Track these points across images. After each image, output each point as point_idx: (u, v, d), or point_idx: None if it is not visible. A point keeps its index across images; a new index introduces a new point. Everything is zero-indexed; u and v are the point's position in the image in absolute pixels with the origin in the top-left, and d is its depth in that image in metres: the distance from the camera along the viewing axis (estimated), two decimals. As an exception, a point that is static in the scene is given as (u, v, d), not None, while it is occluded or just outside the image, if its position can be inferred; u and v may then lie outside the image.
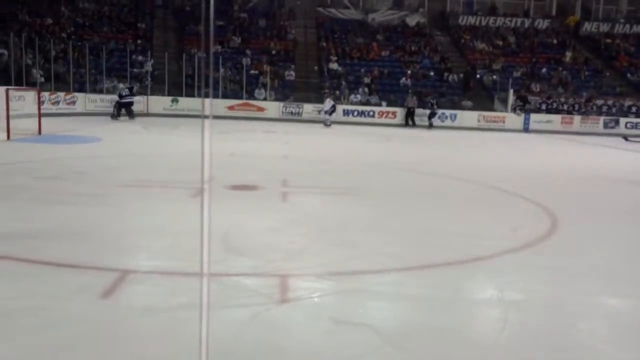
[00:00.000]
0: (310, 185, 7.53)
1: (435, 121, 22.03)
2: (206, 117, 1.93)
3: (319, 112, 21.54)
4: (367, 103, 23.42)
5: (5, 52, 18.42)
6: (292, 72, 24.79)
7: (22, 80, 18.27)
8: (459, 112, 23.02)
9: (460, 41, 28.11)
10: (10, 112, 11.59)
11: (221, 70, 23.30)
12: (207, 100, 2.17)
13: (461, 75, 25.38)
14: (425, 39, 27.66)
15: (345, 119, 22.36)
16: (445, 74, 25.32)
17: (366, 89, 24.00)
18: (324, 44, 27.09)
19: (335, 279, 3.94)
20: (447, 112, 22.80)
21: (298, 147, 13.05)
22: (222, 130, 16.63)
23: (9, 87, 12.84)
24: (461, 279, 4.13)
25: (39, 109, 13.25)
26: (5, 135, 11.37)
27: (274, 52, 25.85)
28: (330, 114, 20.90)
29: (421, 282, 4.00)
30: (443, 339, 3.01)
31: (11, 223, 5.01)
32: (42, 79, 19.78)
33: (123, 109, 19.13)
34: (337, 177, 7.68)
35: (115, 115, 18.95)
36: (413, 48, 26.93)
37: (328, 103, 21.27)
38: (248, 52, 25.50)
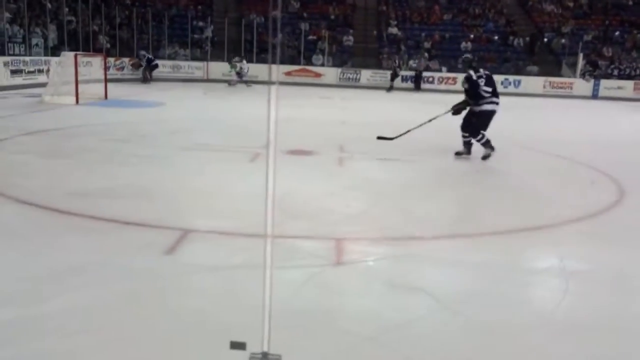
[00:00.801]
0: (367, 151, 7.49)
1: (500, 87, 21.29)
2: (272, 83, 1.94)
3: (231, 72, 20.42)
4: (427, 69, 22.85)
5: (74, 19, 19.07)
6: (351, 38, 24.45)
7: (89, 46, 18.93)
8: (523, 78, 22.15)
9: (528, 3, 26.78)
10: (79, 77, 12.07)
11: (279, 35, 23.26)
12: (274, 67, 2.17)
13: (527, 39, 24.27)
14: (490, 1, 26.53)
15: (404, 85, 21.96)
16: (510, 38, 24.30)
17: (426, 54, 23.39)
18: (384, 7, 26.49)
19: (391, 243, 3.94)
20: (511, 78, 21.96)
21: (355, 113, 12.95)
22: (279, 96, 16.72)
23: (77, 52, 13.32)
24: (522, 247, 4.04)
25: (105, 74, 13.70)
26: (74, 99, 11.88)
27: (332, 17, 25.53)
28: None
29: (480, 249, 3.93)
30: (500, 306, 2.97)
31: (79, 182, 5.27)
32: (108, 45, 20.41)
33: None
34: (395, 144, 7.58)
35: (147, 79, 19.63)
36: (477, 11, 25.91)
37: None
38: (306, 16, 25.27)
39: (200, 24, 24.02)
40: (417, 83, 21.94)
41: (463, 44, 23.70)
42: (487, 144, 7.10)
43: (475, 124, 7.11)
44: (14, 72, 14.52)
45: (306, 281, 3.15)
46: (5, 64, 14.24)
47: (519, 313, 2.90)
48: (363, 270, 3.45)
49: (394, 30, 24.74)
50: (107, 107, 11.81)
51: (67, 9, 18.71)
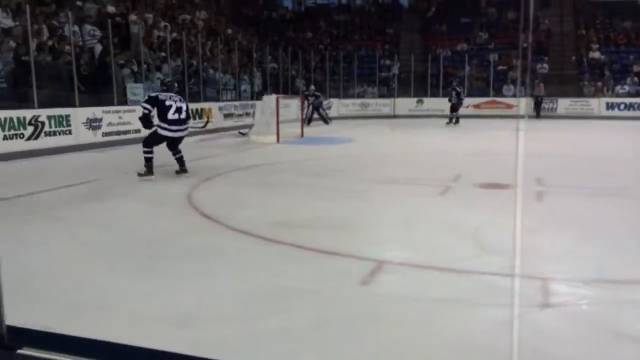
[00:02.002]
0: (568, 185, 6.88)
1: None
2: (521, 116, 1.87)
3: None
4: (637, 94, 20.46)
5: (276, 65, 21.05)
6: (545, 65, 23.04)
7: (287, 89, 20.67)
8: None
9: None
10: (279, 118, 13.20)
11: (467, 68, 22.91)
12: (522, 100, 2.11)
13: None
14: None
15: (608, 113, 19.93)
16: None
17: (635, 79, 20.99)
18: (583, 31, 24.53)
19: (609, 287, 3.51)
20: None
21: (552, 144, 12.05)
22: (467, 129, 16.34)
23: (279, 95, 14.62)
24: None
25: (302, 114, 14.77)
26: (275, 137, 13.01)
27: (524, 45, 24.38)
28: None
29: None
30: None
31: (284, 213, 5.68)
32: (304, 87, 22.09)
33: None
34: (600, 176, 6.86)
35: (310, 120, 18.23)
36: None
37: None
38: (493, 47, 24.54)
39: (387, 62, 24.76)
40: (537, 110, 20.35)
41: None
42: None
43: None
44: (226, 116, 16.43)
45: (510, 321, 2.95)
46: (220, 108, 16.20)
47: None
48: (576, 314, 3.12)
49: (595, 54, 22.73)
50: (304, 144, 12.69)
51: (270, 57, 20.74)
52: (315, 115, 18.78)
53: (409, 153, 10.75)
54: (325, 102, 19.89)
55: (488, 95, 22.17)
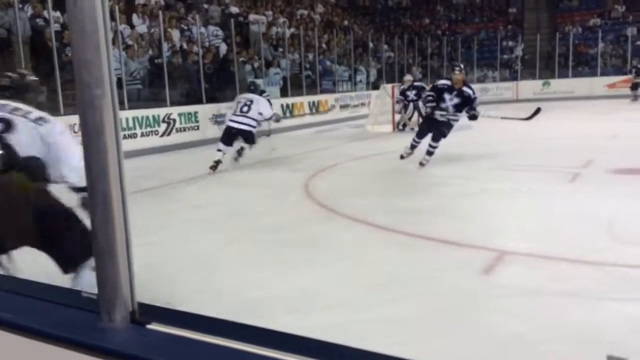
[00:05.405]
0: None
1: None
2: None
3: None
4: None
5: (392, 54, 20.86)
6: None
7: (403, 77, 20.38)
8: None
9: None
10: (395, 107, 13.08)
11: (600, 45, 21.10)
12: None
13: None
14: None
15: None
16: None
17: None
18: None
19: None
20: None
21: None
22: (601, 111, 15.08)
23: (394, 84, 14.48)
24: None
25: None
26: (391, 127, 12.92)
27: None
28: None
29: None
30: None
31: (396, 202, 5.65)
32: (420, 75, 21.67)
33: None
34: None
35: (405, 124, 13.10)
36: None
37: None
38: (632, 19, 22.32)
39: (510, 43, 23.51)
40: None
41: None
42: None
43: None
44: (342, 107, 16.62)
45: (648, 319, 2.70)
46: (336, 100, 16.42)
47: None
48: None
49: None
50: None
51: (385, 46, 20.59)
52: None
53: (534, 138, 10.15)
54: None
55: (625, 74, 20.22)
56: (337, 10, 23.84)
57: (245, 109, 7.75)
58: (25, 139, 2.54)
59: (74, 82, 0.90)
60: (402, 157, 7.73)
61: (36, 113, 2.65)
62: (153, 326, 0.93)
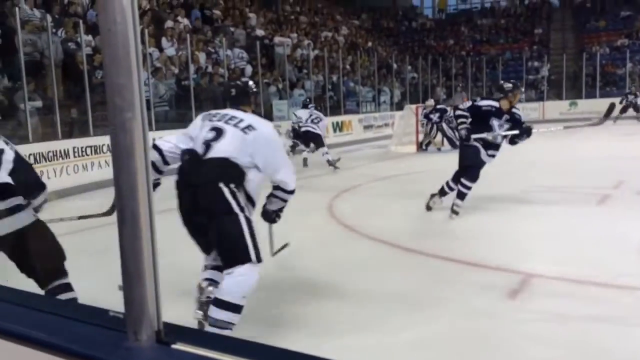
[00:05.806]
0: None
1: None
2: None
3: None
4: None
5: (416, 75, 20.88)
6: None
7: (427, 98, 20.31)
8: None
9: None
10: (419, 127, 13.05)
11: (628, 65, 20.82)
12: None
13: None
14: None
15: None
16: None
17: None
18: None
19: None
20: None
21: None
22: (630, 132, 14.80)
23: (418, 105, 14.47)
24: None
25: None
26: (414, 148, 12.89)
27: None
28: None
29: None
30: None
31: (420, 223, 5.63)
32: (444, 96, 21.60)
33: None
34: None
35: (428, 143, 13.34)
36: None
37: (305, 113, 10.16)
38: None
39: (536, 63, 23.34)
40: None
41: None
42: None
43: None
44: (366, 127, 16.64)
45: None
46: (360, 120, 16.45)
47: None
48: None
49: None
50: (443, 153, 12.39)
51: (409, 67, 20.63)
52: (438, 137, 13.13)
53: (560, 159, 10.01)
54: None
55: (657, 94, 19.84)
56: (361, 32, 24.03)
57: (316, 120, 9.90)
58: (233, 146, 2.86)
59: (104, 104, 0.93)
60: (428, 207, 6.06)
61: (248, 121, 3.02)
62: (178, 346, 0.94)
